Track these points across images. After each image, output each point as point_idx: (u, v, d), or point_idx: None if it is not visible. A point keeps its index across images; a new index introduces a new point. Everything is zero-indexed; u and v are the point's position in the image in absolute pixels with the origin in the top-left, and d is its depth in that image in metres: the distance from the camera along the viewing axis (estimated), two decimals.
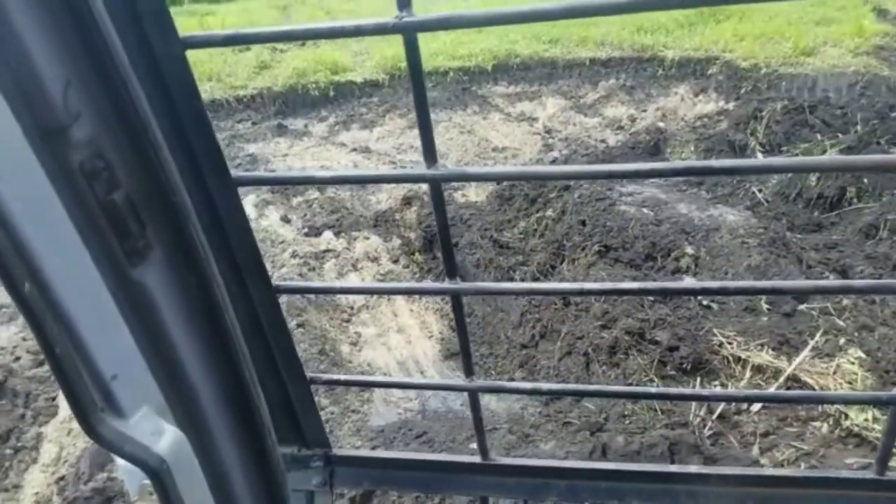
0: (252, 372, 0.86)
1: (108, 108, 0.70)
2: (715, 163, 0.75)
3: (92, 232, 0.68)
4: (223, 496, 0.81)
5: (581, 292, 0.87)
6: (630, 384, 3.71)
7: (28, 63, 0.63)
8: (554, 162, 7.77)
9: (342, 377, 1.06)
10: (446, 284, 0.88)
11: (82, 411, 0.65)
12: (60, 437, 4.54)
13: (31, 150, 0.63)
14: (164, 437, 0.71)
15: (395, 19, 0.69)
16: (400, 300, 5.88)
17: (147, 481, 0.74)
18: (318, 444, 1.05)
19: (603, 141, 8.56)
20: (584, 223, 5.13)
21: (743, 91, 8.40)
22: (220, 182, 0.86)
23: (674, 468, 0.98)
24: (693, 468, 0.97)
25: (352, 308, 5.89)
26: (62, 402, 4.84)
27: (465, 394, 3.80)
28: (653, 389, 0.94)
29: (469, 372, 0.96)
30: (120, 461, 0.76)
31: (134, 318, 0.72)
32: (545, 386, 0.97)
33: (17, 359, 5.29)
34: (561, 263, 4.87)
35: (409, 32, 0.71)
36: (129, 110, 0.71)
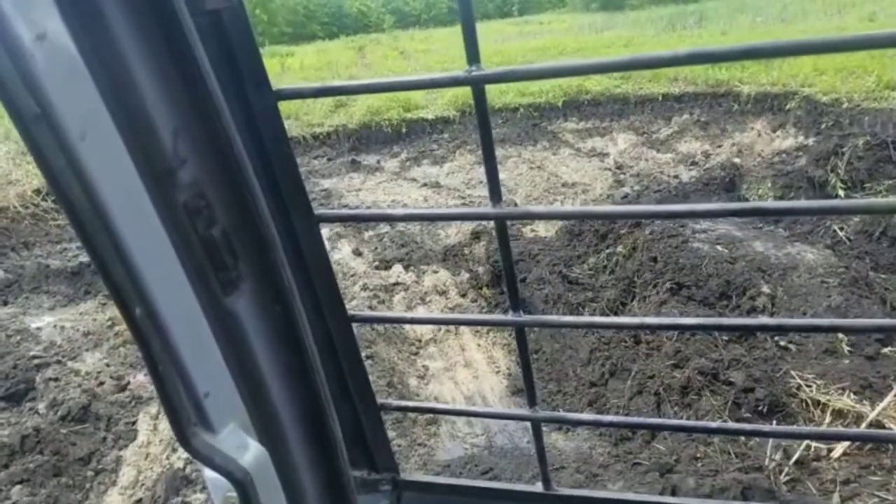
0: (328, 396, 0.92)
1: (209, 153, 0.79)
2: (782, 204, 0.77)
3: (192, 263, 0.76)
4: None
5: (643, 326, 0.89)
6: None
7: (144, 114, 0.72)
8: (625, 198, 7.69)
9: (410, 404, 1.11)
10: (510, 317, 0.92)
11: (179, 425, 0.72)
12: (139, 461, 4.75)
13: (144, 191, 0.71)
14: (248, 451, 0.77)
15: (465, 73, 0.75)
16: (467, 334, 5.90)
17: (231, 494, 0.81)
18: (387, 468, 1.10)
19: (676, 177, 8.41)
20: (655, 260, 5.04)
21: (823, 126, 8.10)
22: (303, 219, 0.94)
23: None
24: None
25: (419, 341, 5.96)
26: (141, 426, 5.08)
27: (531, 430, 3.76)
28: (714, 424, 0.93)
29: (532, 402, 0.99)
30: (207, 475, 0.83)
31: (225, 341, 0.80)
32: (606, 418, 0.98)
33: (101, 384, 5.59)
34: (631, 301, 4.80)
35: (479, 85, 0.77)
36: (227, 155, 0.79)
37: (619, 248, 5.49)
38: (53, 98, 0.61)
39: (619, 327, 0.95)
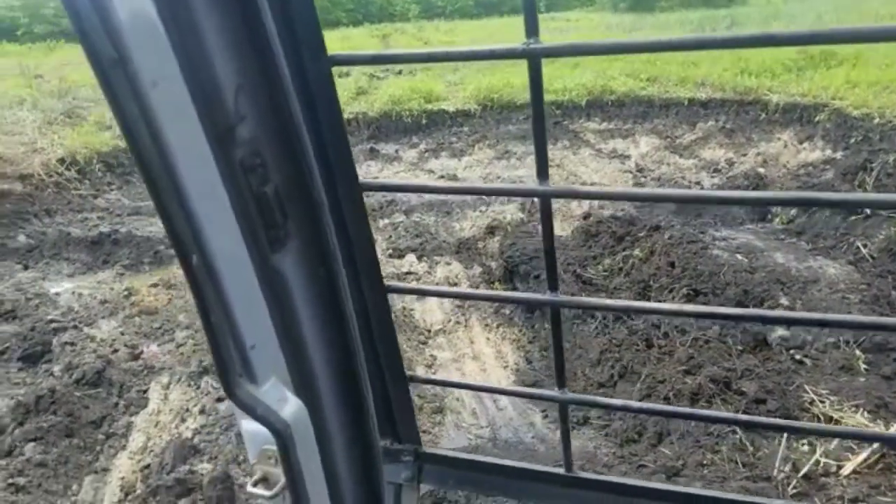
0: (363, 362, 0.94)
1: (267, 113, 0.80)
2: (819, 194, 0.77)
3: (245, 219, 0.78)
4: (328, 471, 0.88)
5: (680, 313, 0.89)
6: (711, 434, 3.57)
7: (211, 69, 0.74)
8: (645, 201, 7.64)
9: (438, 378, 1.12)
10: (547, 296, 0.93)
11: (225, 374, 0.74)
12: (149, 428, 4.81)
13: (206, 142, 0.73)
14: (288, 405, 0.79)
15: (523, 45, 0.76)
16: (477, 327, 5.91)
17: (267, 447, 0.83)
18: (410, 439, 1.12)
19: (698, 183, 8.35)
20: (672, 265, 5.01)
21: (852, 141, 8.00)
22: (348, 186, 0.95)
23: (759, 500, 0.97)
24: (779, 502, 0.96)
25: (429, 331, 5.98)
26: (153, 395, 5.14)
27: (538, 426, 3.76)
28: (744, 417, 0.92)
29: (562, 384, 1.00)
30: (245, 427, 0.84)
31: (271, 298, 0.81)
32: (635, 404, 0.99)
33: (116, 351, 5.66)
34: None
35: (536, 58, 0.77)
36: (284, 116, 0.81)
37: (636, 251, 5.46)
38: (130, 45, 0.62)
39: (656, 312, 0.96)
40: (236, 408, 0.80)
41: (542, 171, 0.85)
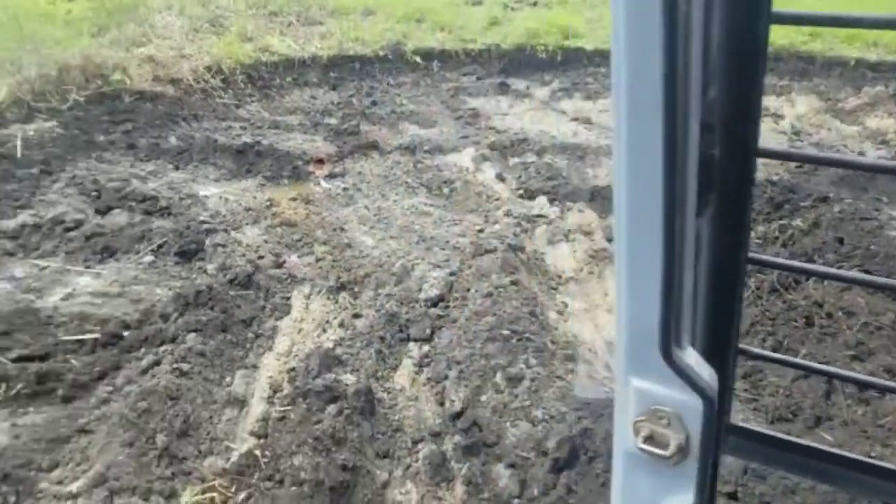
0: (735, 336, 0.91)
1: (729, 79, 0.75)
2: None
3: (696, 178, 0.75)
4: None
5: None
6: (881, 426, 3.38)
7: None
8: (799, 167, 7.11)
9: (772, 354, 1.09)
10: None
11: (667, 335, 0.73)
12: (292, 333, 5.09)
13: (699, 87, 0.69)
14: (705, 370, 0.77)
15: None
16: (611, 280, 5.81)
17: (658, 407, 0.82)
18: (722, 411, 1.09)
19: (861, 154, 7.66)
20: (841, 241, 4.67)
21: None
22: (744, 152, 0.89)
23: None
24: None
25: (559, 277, 5.94)
26: (295, 303, 5.42)
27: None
28: None
29: None
30: (635, 385, 0.84)
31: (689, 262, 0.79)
32: None
33: (261, 257, 5.98)
34: (807, 280, 4.50)
35: None
36: (744, 81, 0.76)
37: (797, 222, 5.12)
38: None
39: None
40: (633, 366, 0.79)
41: None
